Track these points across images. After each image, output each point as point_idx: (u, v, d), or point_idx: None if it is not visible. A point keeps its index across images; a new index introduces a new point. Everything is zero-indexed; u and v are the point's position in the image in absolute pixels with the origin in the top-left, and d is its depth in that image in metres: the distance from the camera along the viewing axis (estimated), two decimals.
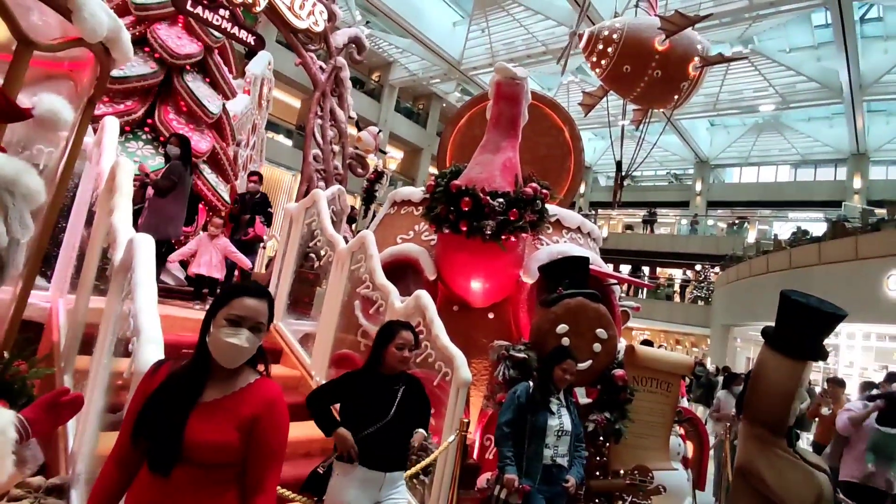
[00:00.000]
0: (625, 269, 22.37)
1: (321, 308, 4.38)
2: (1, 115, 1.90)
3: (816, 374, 12.07)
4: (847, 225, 13.15)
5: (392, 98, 22.95)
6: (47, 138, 2.08)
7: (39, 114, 1.95)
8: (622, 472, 3.82)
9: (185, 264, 5.55)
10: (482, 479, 3.65)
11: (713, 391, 9.45)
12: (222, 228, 5.49)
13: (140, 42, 5.73)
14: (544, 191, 4.38)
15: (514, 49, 19.52)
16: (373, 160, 10.20)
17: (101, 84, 2.59)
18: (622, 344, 4.46)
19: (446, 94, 24.67)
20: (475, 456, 4.06)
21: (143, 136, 5.79)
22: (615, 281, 5.66)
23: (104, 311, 2.62)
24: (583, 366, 3.75)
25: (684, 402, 7.54)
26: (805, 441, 7.08)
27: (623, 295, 7.17)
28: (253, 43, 6.49)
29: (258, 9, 6.49)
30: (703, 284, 20.80)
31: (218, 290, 5.11)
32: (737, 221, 23.82)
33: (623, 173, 8.96)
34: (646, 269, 23.96)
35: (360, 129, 9.88)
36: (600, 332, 3.98)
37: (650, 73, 6.80)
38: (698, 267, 21.57)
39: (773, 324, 3.54)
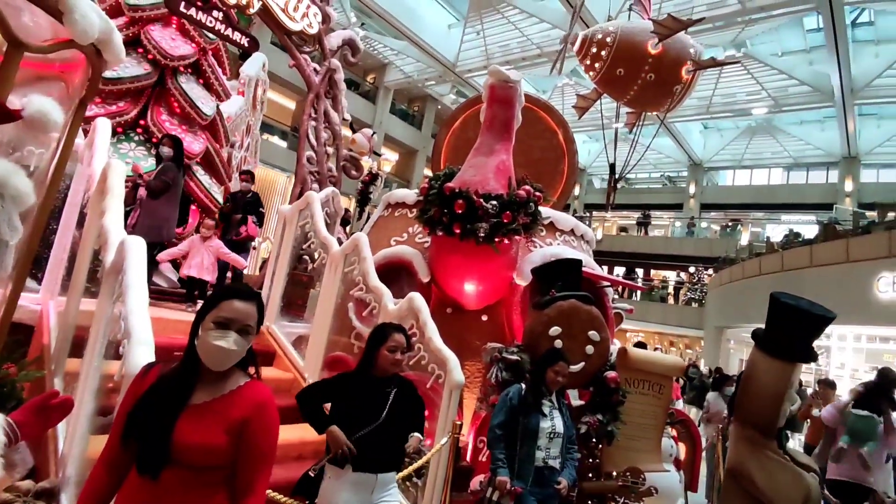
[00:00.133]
0: (619, 271, 22.41)
1: (314, 310, 4.39)
2: None
3: (808, 375, 12.15)
4: (838, 228, 13.25)
5: (387, 100, 22.95)
6: (37, 140, 2.06)
7: (29, 115, 1.94)
8: (614, 473, 3.83)
9: (177, 266, 5.52)
10: (475, 482, 3.64)
11: (706, 393, 9.49)
12: (215, 230, 5.47)
13: (134, 43, 5.71)
14: (538, 193, 4.40)
15: (510, 51, 19.59)
16: (367, 162, 10.22)
17: (93, 86, 2.58)
18: (615, 346, 4.48)
19: (441, 96, 24.70)
20: (468, 458, 4.05)
21: (136, 138, 5.76)
22: (608, 283, 5.68)
23: (95, 314, 2.60)
24: (575, 368, 3.76)
25: (679, 405, 7.58)
26: (797, 442, 7.14)
27: (616, 297, 7.19)
28: (247, 44, 6.49)
29: (252, 10, 6.49)
30: (696, 287, 20.87)
31: (208, 293, 5.09)
32: (730, 224, 23.93)
33: (617, 176, 9.00)
34: (640, 272, 24.07)
35: (354, 131, 9.90)
36: (593, 334, 3.99)
37: (643, 77, 6.84)
38: (692, 269, 21.65)
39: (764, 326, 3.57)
